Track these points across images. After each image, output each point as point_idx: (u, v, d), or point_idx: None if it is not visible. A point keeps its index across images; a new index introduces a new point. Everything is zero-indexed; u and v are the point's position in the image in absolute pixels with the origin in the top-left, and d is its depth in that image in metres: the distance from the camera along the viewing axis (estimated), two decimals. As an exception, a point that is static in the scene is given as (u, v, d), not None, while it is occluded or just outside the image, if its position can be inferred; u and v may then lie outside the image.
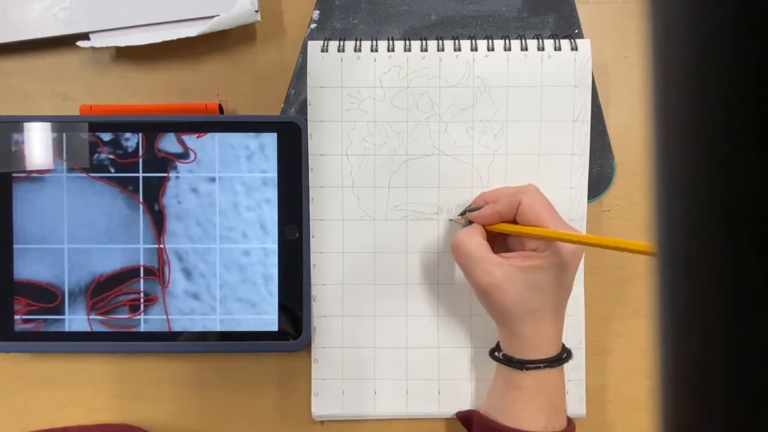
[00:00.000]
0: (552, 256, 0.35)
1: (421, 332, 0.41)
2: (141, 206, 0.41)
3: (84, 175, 0.40)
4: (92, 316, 0.41)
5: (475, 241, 0.36)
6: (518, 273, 0.34)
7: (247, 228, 0.41)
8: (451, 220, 0.41)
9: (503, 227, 0.36)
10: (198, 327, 0.41)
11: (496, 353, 0.38)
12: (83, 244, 0.41)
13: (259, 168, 0.40)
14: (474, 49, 0.40)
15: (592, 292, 0.42)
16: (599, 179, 0.42)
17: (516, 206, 0.36)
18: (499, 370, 0.38)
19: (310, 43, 0.41)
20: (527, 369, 0.35)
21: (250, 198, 0.41)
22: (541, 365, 0.35)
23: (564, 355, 0.36)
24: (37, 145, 0.40)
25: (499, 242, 0.38)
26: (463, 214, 0.40)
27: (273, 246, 0.41)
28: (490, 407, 0.38)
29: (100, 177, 0.40)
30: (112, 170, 0.40)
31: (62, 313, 0.41)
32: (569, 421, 0.37)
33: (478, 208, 0.38)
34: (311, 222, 0.41)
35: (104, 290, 0.41)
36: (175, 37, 0.40)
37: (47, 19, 0.41)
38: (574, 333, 0.41)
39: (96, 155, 0.40)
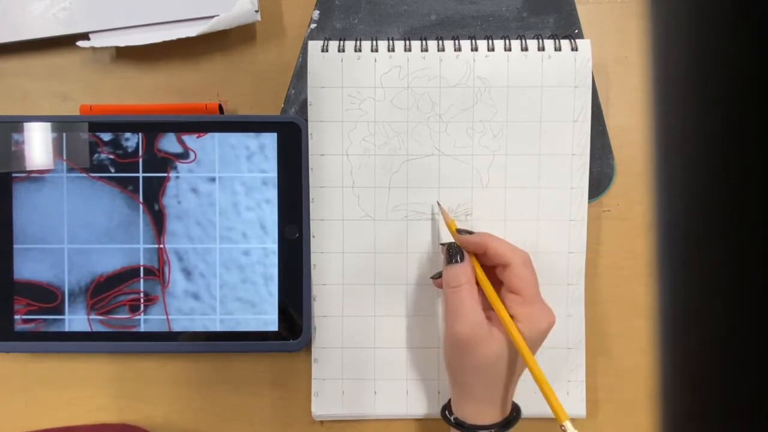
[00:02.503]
0: (528, 328, 0.34)
1: (420, 332, 0.41)
2: (141, 206, 0.41)
3: (84, 175, 0.40)
4: (92, 316, 0.41)
5: (472, 286, 0.35)
6: (500, 333, 0.34)
7: (247, 228, 0.41)
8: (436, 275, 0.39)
9: (483, 285, 0.36)
10: (198, 327, 0.41)
11: (448, 414, 0.37)
12: (83, 244, 0.41)
13: (259, 168, 0.40)
14: (474, 49, 0.40)
15: (592, 292, 0.42)
16: (599, 179, 0.42)
17: (500, 261, 0.35)
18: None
19: (310, 43, 0.41)
20: None
21: (250, 198, 0.41)
22: (493, 429, 0.35)
23: (514, 415, 0.36)
24: (37, 145, 0.40)
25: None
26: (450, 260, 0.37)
27: (273, 246, 0.41)
28: None
29: (100, 177, 0.40)
30: (112, 170, 0.40)
31: (62, 313, 0.41)
32: None
33: (468, 232, 0.37)
34: (311, 222, 0.41)
35: (104, 290, 0.41)
36: (175, 37, 0.40)
37: (47, 19, 0.41)
38: (574, 333, 0.41)
39: (96, 155, 0.40)
